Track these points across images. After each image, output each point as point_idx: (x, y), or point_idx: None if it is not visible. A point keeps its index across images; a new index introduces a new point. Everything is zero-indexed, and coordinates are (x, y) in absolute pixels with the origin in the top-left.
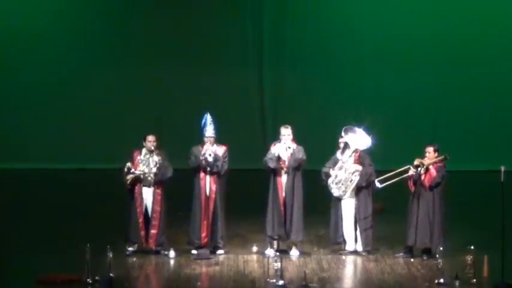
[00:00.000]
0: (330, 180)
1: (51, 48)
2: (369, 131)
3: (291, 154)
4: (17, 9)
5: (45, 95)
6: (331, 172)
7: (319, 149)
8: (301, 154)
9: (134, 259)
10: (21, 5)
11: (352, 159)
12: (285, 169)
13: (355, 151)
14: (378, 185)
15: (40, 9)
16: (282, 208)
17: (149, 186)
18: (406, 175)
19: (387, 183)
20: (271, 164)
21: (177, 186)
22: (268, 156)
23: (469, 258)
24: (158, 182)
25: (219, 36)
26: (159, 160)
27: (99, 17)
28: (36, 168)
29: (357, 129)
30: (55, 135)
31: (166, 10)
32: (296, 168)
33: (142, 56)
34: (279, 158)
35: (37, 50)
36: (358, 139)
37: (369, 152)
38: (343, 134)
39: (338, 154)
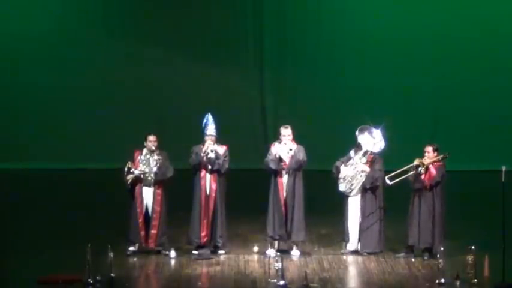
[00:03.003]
0: (340, 175)
1: (52, 48)
2: (385, 133)
3: (292, 156)
4: (17, 11)
5: (45, 94)
6: (342, 167)
7: (320, 148)
8: (301, 155)
9: (135, 259)
10: (21, 6)
11: (365, 160)
12: (285, 170)
13: (366, 152)
14: (388, 182)
15: (40, 9)
16: (283, 208)
17: (149, 186)
18: (413, 172)
19: (397, 179)
20: (273, 166)
21: (177, 186)
22: (270, 157)
23: (470, 258)
24: (159, 182)
25: (219, 36)
26: (159, 159)
27: (99, 17)
28: (36, 168)
29: (373, 130)
30: (55, 135)
31: (166, 10)
32: (297, 169)
33: (142, 56)
34: (280, 159)
35: (37, 50)
36: (371, 141)
37: (381, 155)
38: (357, 133)
39: (352, 152)
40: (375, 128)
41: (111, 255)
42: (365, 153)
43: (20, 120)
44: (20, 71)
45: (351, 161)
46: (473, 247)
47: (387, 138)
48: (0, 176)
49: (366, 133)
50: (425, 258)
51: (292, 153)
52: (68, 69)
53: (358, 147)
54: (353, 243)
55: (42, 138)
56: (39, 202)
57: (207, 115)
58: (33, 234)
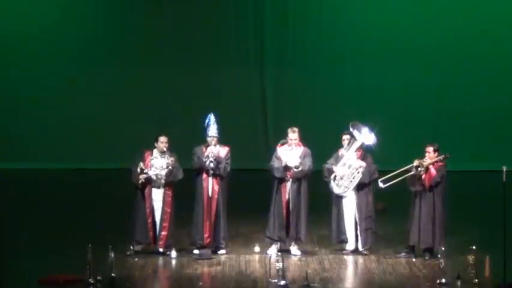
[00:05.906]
0: (332, 177)
1: (52, 48)
2: (373, 129)
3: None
4: (18, 10)
5: (46, 95)
6: (334, 168)
7: (321, 148)
8: (308, 164)
9: (136, 259)
10: (22, 6)
11: (355, 155)
12: (289, 177)
13: (361, 146)
14: (381, 185)
15: (42, 9)
16: (284, 211)
17: (159, 188)
18: (408, 174)
19: (390, 183)
20: (277, 174)
21: (180, 186)
22: (275, 164)
23: (471, 258)
24: (168, 184)
25: (220, 35)
26: (172, 161)
27: (100, 17)
28: (36, 168)
29: (362, 126)
30: (55, 135)
31: (168, 9)
32: (302, 177)
33: (143, 56)
34: (286, 168)
35: (38, 50)
36: (364, 134)
37: (370, 151)
38: (350, 128)
39: (340, 151)
40: (363, 125)
41: (112, 256)
42: (359, 147)
43: (20, 120)
44: (20, 71)
45: (343, 160)
46: (474, 247)
47: (376, 135)
48: (0, 176)
49: (356, 128)
50: (426, 258)
51: (299, 168)
52: (68, 70)
53: (350, 142)
54: (352, 243)
55: (42, 138)
56: (39, 202)
57: (209, 115)
58: (33, 234)
